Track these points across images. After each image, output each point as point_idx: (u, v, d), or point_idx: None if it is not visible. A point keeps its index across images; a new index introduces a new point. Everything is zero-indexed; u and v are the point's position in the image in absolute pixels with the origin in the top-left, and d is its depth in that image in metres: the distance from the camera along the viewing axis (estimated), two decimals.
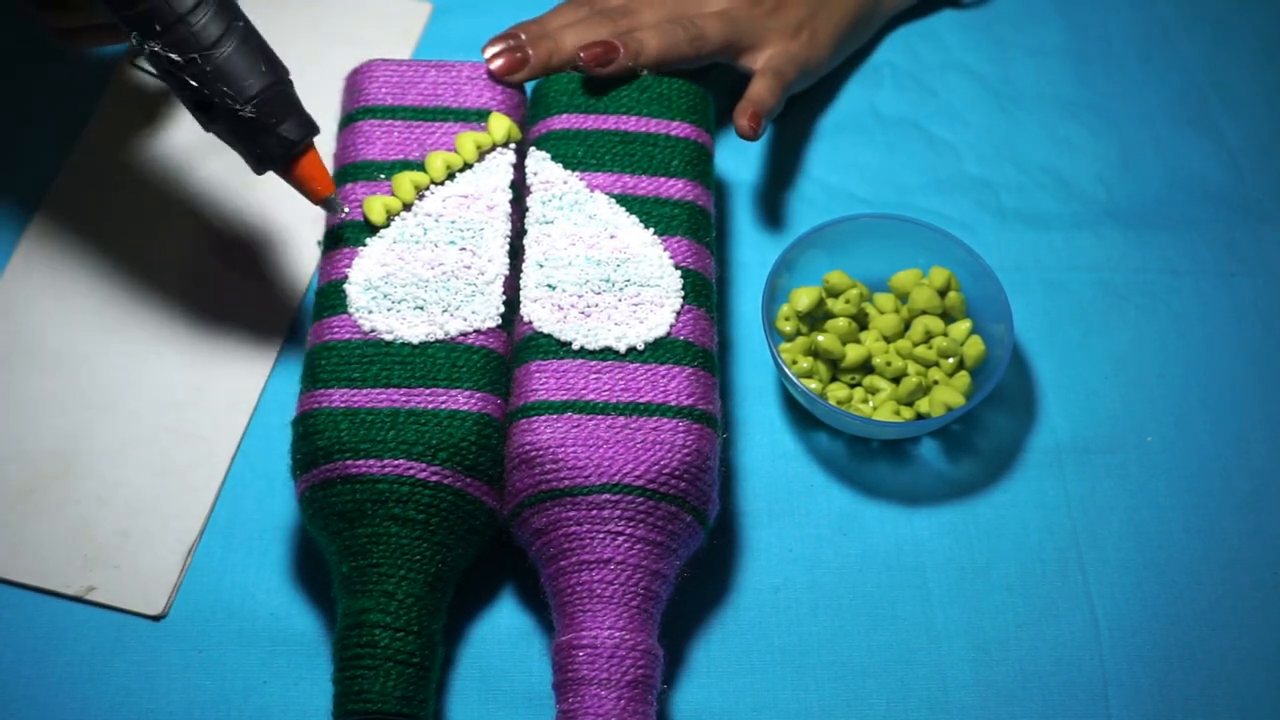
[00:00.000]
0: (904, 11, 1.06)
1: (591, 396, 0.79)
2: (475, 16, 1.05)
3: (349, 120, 0.89)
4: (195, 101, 0.77)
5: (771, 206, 0.99)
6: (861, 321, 0.90)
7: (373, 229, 0.84)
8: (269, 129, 0.78)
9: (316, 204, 0.82)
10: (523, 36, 0.92)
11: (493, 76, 0.90)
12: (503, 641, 0.82)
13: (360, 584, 0.76)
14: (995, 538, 0.86)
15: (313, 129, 0.80)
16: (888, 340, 0.89)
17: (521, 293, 0.83)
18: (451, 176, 0.86)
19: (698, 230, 0.85)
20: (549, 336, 0.81)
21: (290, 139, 0.79)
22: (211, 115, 0.77)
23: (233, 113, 0.77)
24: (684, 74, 0.91)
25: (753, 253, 0.96)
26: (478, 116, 0.88)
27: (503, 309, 0.82)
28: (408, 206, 0.85)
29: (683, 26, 0.91)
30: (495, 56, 0.90)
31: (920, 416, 0.87)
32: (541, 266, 0.83)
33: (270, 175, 0.81)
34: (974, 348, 0.87)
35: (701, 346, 0.82)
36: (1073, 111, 1.03)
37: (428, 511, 0.77)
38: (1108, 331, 0.94)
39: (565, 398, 0.79)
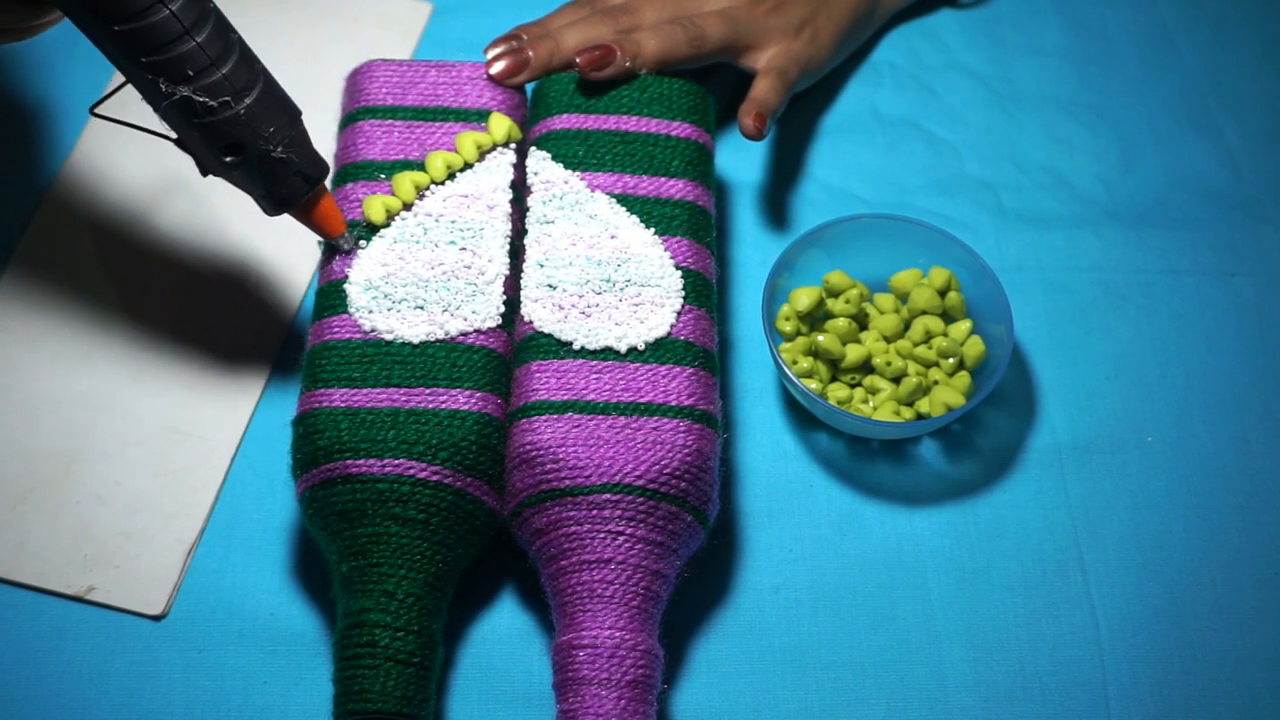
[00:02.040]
0: (903, 11, 1.06)
1: (592, 396, 0.79)
2: (475, 16, 1.05)
3: (349, 120, 0.89)
4: (225, 145, 0.76)
5: (772, 206, 0.99)
6: (861, 321, 0.90)
7: (373, 229, 0.84)
8: (294, 169, 0.78)
9: (330, 242, 0.82)
10: (524, 37, 0.92)
11: (494, 80, 0.90)
12: (503, 641, 0.82)
13: (360, 584, 0.76)
14: (995, 538, 0.86)
15: (325, 167, 0.80)
16: (888, 340, 0.89)
17: (522, 292, 0.83)
18: (452, 176, 0.86)
19: (698, 230, 0.85)
20: (549, 336, 0.81)
21: (313, 176, 0.79)
22: (243, 158, 0.76)
23: (265, 154, 0.76)
24: (685, 74, 0.91)
25: (753, 253, 0.96)
26: (478, 116, 0.88)
27: (503, 309, 0.82)
28: (408, 206, 0.84)
29: (682, 27, 0.91)
30: (497, 59, 0.90)
31: (920, 416, 0.87)
32: (542, 266, 0.83)
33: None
34: (974, 348, 0.87)
35: (702, 346, 0.82)
36: (1073, 111, 1.03)
37: (428, 511, 0.77)
38: (1108, 331, 0.94)
39: (566, 398, 0.79)
